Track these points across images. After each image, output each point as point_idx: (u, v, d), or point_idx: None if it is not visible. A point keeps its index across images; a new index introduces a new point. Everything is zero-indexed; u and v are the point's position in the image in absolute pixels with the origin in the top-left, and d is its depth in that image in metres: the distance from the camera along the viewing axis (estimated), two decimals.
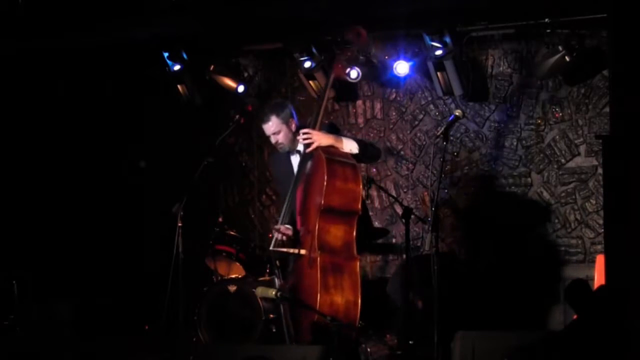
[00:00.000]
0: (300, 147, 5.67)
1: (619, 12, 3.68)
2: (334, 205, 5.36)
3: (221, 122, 6.40)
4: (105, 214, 8.04)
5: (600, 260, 5.93)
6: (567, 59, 6.84)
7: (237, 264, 6.93)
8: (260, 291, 4.99)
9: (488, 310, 6.84)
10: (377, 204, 7.93)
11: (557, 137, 7.34)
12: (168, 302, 6.06)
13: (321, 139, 5.52)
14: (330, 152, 5.48)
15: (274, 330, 6.19)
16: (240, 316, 6.54)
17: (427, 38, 7.12)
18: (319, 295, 5.18)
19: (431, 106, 7.75)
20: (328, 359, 4.53)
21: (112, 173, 8.13)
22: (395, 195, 7.70)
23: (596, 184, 7.18)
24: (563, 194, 7.33)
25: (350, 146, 5.60)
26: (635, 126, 3.59)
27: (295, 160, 5.75)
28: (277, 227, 5.59)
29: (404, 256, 7.35)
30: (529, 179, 7.43)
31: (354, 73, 7.35)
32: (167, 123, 8.20)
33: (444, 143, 5.30)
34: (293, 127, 5.72)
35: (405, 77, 7.58)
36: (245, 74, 8.20)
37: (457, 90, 7.38)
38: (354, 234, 5.45)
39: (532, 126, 7.42)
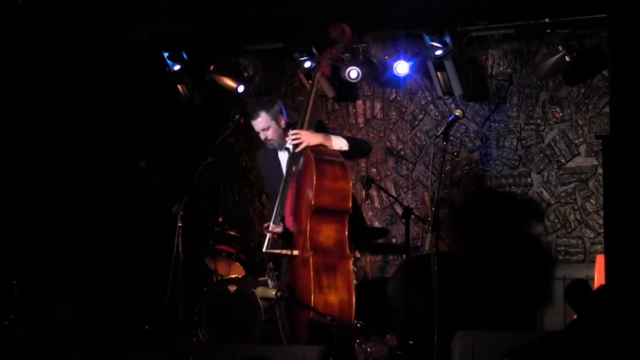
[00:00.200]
0: (289, 145, 5.68)
1: (619, 12, 3.68)
2: (324, 204, 5.37)
3: (221, 122, 6.40)
4: (105, 214, 8.04)
5: (600, 260, 5.92)
6: (567, 59, 6.84)
7: (237, 264, 6.94)
8: (260, 291, 5.00)
9: (488, 310, 6.84)
10: (377, 204, 7.93)
11: (557, 137, 7.34)
12: (168, 302, 6.06)
13: (310, 138, 5.53)
14: (319, 152, 5.48)
15: (270, 330, 6.19)
16: (240, 316, 6.54)
17: (427, 38, 7.12)
18: (312, 295, 5.18)
19: (431, 106, 7.75)
20: (328, 359, 4.53)
21: (112, 173, 8.12)
22: (395, 195, 7.70)
23: (596, 184, 7.18)
24: (563, 194, 7.33)
25: (339, 144, 5.61)
26: (635, 126, 3.59)
27: (283, 157, 5.77)
28: (265, 225, 5.60)
29: (404, 256, 7.37)
30: (529, 179, 7.43)
31: (354, 73, 7.36)
32: (167, 123, 8.20)
33: (444, 143, 5.30)
34: (282, 123, 5.75)
35: (405, 77, 7.58)
36: (245, 74, 8.20)
37: (457, 90, 7.38)
38: (346, 232, 5.46)
39: (532, 126, 7.43)
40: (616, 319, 3.66)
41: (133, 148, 8.25)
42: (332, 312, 5.11)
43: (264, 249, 5.56)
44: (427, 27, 7.13)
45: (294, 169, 5.57)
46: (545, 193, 7.38)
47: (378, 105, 7.95)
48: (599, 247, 7.08)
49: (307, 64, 7.41)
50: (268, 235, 5.56)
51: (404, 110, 7.85)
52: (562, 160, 7.33)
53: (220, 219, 7.16)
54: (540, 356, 4.23)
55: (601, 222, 7.07)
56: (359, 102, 8.00)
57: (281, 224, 5.56)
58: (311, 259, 5.26)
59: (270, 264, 5.43)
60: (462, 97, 7.52)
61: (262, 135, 5.77)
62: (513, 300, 7.21)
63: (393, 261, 7.81)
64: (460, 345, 4.59)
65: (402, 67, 7.38)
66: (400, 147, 7.86)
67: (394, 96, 7.88)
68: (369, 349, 6.45)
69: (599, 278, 5.82)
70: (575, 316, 4.64)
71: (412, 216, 7.14)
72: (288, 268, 5.50)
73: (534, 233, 7.40)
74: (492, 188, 7.55)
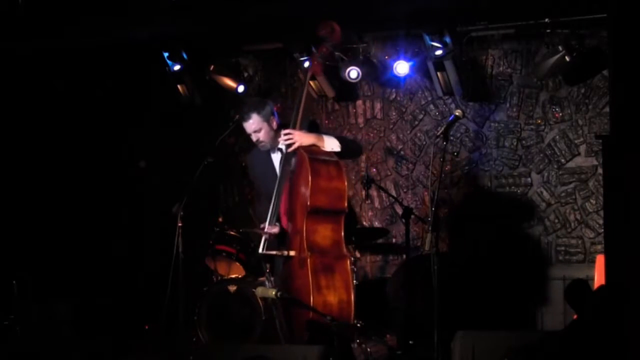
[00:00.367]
0: (281, 145, 5.65)
1: (619, 12, 3.68)
2: (320, 205, 5.35)
3: (221, 122, 6.40)
4: (105, 214, 8.04)
5: (600, 260, 5.92)
6: (567, 59, 6.84)
7: (237, 264, 6.93)
8: (260, 291, 4.99)
9: (488, 310, 6.84)
10: (377, 204, 7.93)
11: (557, 137, 7.34)
12: (168, 302, 6.05)
13: (302, 138, 5.50)
14: (313, 152, 5.46)
15: (271, 330, 6.19)
16: (240, 316, 6.54)
17: (427, 38, 7.12)
18: (312, 296, 5.17)
19: (431, 106, 7.75)
20: (328, 359, 4.53)
21: (112, 173, 8.12)
22: (395, 195, 7.70)
23: (596, 184, 7.18)
24: (563, 194, 7.33)
25: (332, 144, 5.57)
26: (635, 126, 3.59)
27: (276, 158, 5.73)
28: (262, 226, 5.58)
29: (404, 256, 7.37)
30: (529, 179, 7.43)
31: (354, 73, 7.36)
32: (167, 123, 8.20)
33: (444, 143, 5.29)
34: (274, 125, 5.70)
35: (405, 77, 7.58)
36: (245, 74, 8.21)
37: (457, 90, 7.39)
38: (342, 232, 5.46)
39: (532, 126, 7.43)
40: (616, 319, 3.66)
41: (133, 148, 8.25)
42: (331, 312, 5.10)
43: (260, 251, 5.54)
44: (427, 27, 7.13)
45: (287, 169, 5.55)
46: (545, 193, 7.38)
47: (378, 105, 7.95)
48: (599, 247, 7.08)
49: (307, 64, 7.39)
50: (264, 237, 5.54)
51: (404, 110, 7.85)
52: (562, 160, 7.33)
53: (220, 219, 7.16)
54: (540, 356, 4.23)
55: (601, 222, 7.07)
56: (359, 102, 8.00)
57: (277, 225, 5.55)
58: (309, 260, 5.25)
59: (268, 265, 5.41)
60: (462, 97, 7.52)
61: (254, 137, 5.71)
62: (513, 300, 7.21)
63: (393, 261, 7.81)
64: (460, 345, 4.59)
65: (402, 67, 7.38)
66: (400, 147, 7.86)
67: (394, 96, 7.89)
68: (369, 349, 6.45)
69: (599, 278, 5.82)
70: (575, 316, 4.64)
71: (412, 216, 7.15)
72: (284, 269, 5.48)
73: (534, 233, 7.40)
74: (492, 188, 7.55)
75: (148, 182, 8.21)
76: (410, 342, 6.55)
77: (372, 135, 7.94)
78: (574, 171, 7.30)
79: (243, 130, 5.77)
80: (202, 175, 6.14)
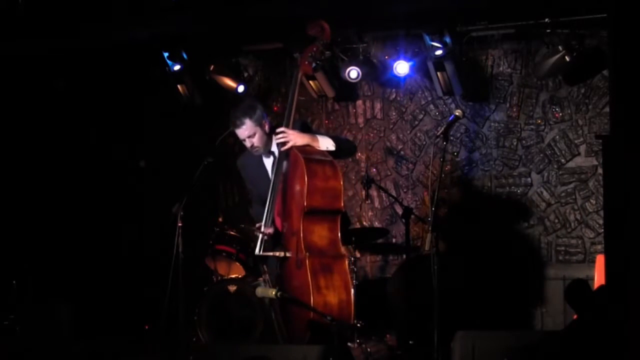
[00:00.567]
0: (274, 148, 5.62)
1: (619, 12, 3.68)
2: (316, 205, 5.34)
3: (221, 122, 6.39)
4: (105, 214, 8.04)
5: (600, 260, 5.92)
6: (567, 59, 6.84)
7: (237, 264, 6.93)
8: (260, 291, 4.99)
9: (488, 310, 6.84)
10: (377, 204, 7.93)
11: (557, 137, 7.34)
12: (168, 302, 6.05)
13: (297, 138, 5.48)
14: (307, 152, 5.45)
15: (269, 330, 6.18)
16: (240, 316, 6.54)
17: (427, 38, 7.13)
18: (312, 296, 5.17)
19: (431, 106, 7.76)
20: (328, 359, 4.53)
21: (112, 173, 8.12)
22: (395, 195, 7.70)
23: (596, 184, 7.18)
24: (563, 194, 7.33)
25: (326, 144, 5.55)
26: (635, 126, 3.59)
27: (268, 162, 5.69)
28: (257, 225, 5.57)
29: (404, 256, 7.38)
30: (529, 179, 7.43)
31: (354, 73, 7.36)
32: (167, 123, 8.20)
33: (444, 143, 5.29)
34: (267, 128, 5.61)
35: (405, 77, 7.59)
36: (245, 74, 8.21)
37: (457, 90, 7.39)
38: (339, 232, 5.45)
39: (532, 126, 7.43)
40: (616, 319, 3.66)
41: (133, 148, 8.25)
42: (331, 312, 5.10)
43: (257, 252, 5.53)
44: (427, 27, 7.13)
45: (281, 170, 5.53)
46: (545, 193, 7.38)
47: (378, 105, 7.95)
48: (599, 247, 7.08)
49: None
50: (260, 237, 5.53)
51: (404, 110, 7.85)
52: (562, 160, 7.33)
53: (220, 219, 7.16)
54: (540, 356, 4.23)
55: (601, 222, 7.08)
56: (359, 102, 8.00)
57: (272, 226, 5.54)
58: (307, 260, 5.25)
59: (265, 267, 5.41)
60: (462, 97, 7.52)
61: (248, 143, 5.62)
62: (513, 300, 7.22)
63: (393, 261, 7.81)
64: (460, 345, 4.59)
65: (402, 67, 7.38)
66: (400, 147, 7.86)
67: (394, 96, 7.89)
68: (369, 349, 6.45)
69: (599, 278, 5.82)
70: (575, 316, 4.64)
71: (412, 216, 7.15)
72: (280, 270, 5.47)
73: (534, 233, 7.40)
74: (492, 188, 7.55)
75: (148, 182, 8.21)
76: (410, 342, 6.55)
77: (372, 135, 7.94)
78: (574, 171, 7.30)
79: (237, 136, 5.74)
80: (202, 175, 6.13)
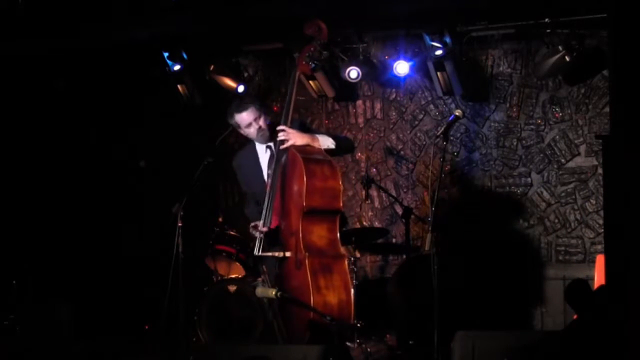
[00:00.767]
0: (271, 143, 5.65)
1: (619, 12, 3.68)
2: (315, 205, 5.35)
3: (221, 122, 6.40)
4: (105, 214, 8.04)
5: (600, 260, 5.92)
6: (567, 59, 6.84)
7: (237, 264, 6.93)
8: (260, 291, 4.99)
9: (488, 310, 6.84)
10: (377, 204, 7.93)
11: (557, 137, 7.34)
12: (168, 302, 6.05)
13: (297, 137, 5.51)
14: (306, 151, 5.46)
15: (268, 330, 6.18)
16: (240, 316, 6.54)
17: (427, 38, 7.13)
18: (312, 296, 5.17)
19: (431, 106, 7.75)
20: (328, 359, 4.53)
21: (112, 173, 8.12)
22: (395, 195, 7.70)
23: (596, 184, 7.18)
24: (563, 194, 7.33)
25: (326, 143, 5.59)
26: (635, 126, 3.59)
27: (263, 161, 5.72)
28: (253, 224, 5.56)
29: (404, 256, 7.37)
30: (529, 179, 7.43)
31: (354, 73, 7.36)
32: (167, 123, 8.20)
33: (444, 143, 5.30)
34: (267, 120, 5.74)
35: (405, 77, 7.59)
36: (245, 74, 8.21)
37: (457, 90, 7.39)
38: (338, 232, 5.46)
39: (532, 126, 7.43)
40: (616, 319, 3.66)
41: (133, 148, 8.25)
42: (331, 312, 5.10)
43: (256, 252, 5.53)
44: (427, 27, 7.13)
45: (278, 169, 5.53)
46: (545, 193, 7.38)
47: (378, 105, 7.95)
48: (599, 247, 7.08)
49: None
50: (258, 237, 5.53)
51: (404, 110, 7.85)
52: (562, 160, 7.33)
53: (220, 219, 7.16)
54: (540, 356, 4.23)
55: (601, 222, 7.08)
56: (359, 102, 8.00)
57: (269, 225, 5.54)
58: (307, 260, 5.25)
59: (264, 267, 5.41)
60: (462, 97, 7.52)
61: (254, 126, 5.68)
62: (513, 300, 7.22)
63: (393, 261, 7.81)
64: (460, 345, 4.59)
65: (402, 67, 7.38)
66: (400, 147, 7.86)
67: (394, 96, 7.89)
68: (369, 349, 6.45)
69: (599, 278, 5.82)
70: (575, 316, 4.64)
71: (412, 216, 7.15)
72: (279, 270, 5.47)
73: (534, 233, 7.40)
74: (492, 188, 7.55)
75: (148, 182, 8.21)
76: (410, 342, 6.55)
77: (372, 135, 7.94)
78: (574, 171, 7.30)
79: (240, 129, 5.75)
80: (202, 175, 6.14)
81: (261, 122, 5.68)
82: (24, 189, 7.73)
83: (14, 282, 7.04)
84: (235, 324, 6.56)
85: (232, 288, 6.60)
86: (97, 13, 6.75)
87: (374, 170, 7.89)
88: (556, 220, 7.35)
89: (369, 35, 7.62)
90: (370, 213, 7.92)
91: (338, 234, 5.47)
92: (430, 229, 5.09)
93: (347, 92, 7.90)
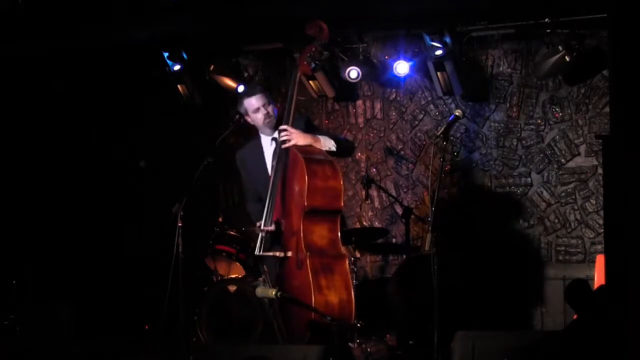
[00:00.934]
0: (275, 134, 5.67)
1: (619, 12, 3.68)
2: (317, 205, 5.36)
3: (221, 122, 6.41)
4: (105, 214, 8.04)
5: (600, 260, 5.93)
6: (567, 59, 6.84)
7: (237, 264, 6.93)
8: (260, 291, 4.99)
9: (488, 310, 6.84)
10: (377, 204, 7.93)
11: (557, 137, 7.34)
12: (168, 302, 6.05)
13: (299, 137, 5.53)
14: (307, 151, 5.47)
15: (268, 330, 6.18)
16: (240, 316, 6.54)
17: (427, 38, 7.13)
18: (313, 296, 5.17)
19: (431, 106, 7.75)
20: (328, 359, 4.53)
21: (112, 173, 8.12)
22: (395, 195, 7.70)
23: (596, 184, 7.18)
24: (563, 194, 7.33)
25: (328, 144, 5.61)
26: (635, 126, 3.59)
27: (268, 155, 5.72)
28: (258, 225, 5.57)
29: (404, 256, 7.37)
30: (529, 179, 7.43)
31: (354, 73, 7.36)
32: (167, 123, 8.20)
33: (444, 143, 5.30)
34: (276, 109, 5.79)
35: (405, 77, 7.59)
36: (245, 74, 8.21)
37: (457, 90, 7.39)
38: (339, 232, 5.46)
39: (532, 126, 7.43)
40: (616, 319, 3.66)
41: (133, 148, 8.25)
42: (332, 312, 5.11)
43: (257, 252, 5.54)
44: (427, 27, 7.14)
45: (279, 167, 5.53)
46: (545, 193, 7.38)
47: (378, 105, 7.95)
48: (599, 247, 7.08)
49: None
50: (260, 236, 5.53)
51: (404, 110, 7.85)
52: (562, 160, 7.33)
53: (220, 219, 7.16)
54: (540, 356, 4.23)
55: (601, 222, 7.08)
56: (359, 102, 8.00)
57: (272, 224, 5.53)
58: (308, 260, 5.25)
59: (265, 267, 5.42)
60: (462, 97, 7.52)
61: (262, 111, 5.72)
62: (513, 300, 7.21)
63: (393, 261, 7.81)
64: (460, 345, 4.59)
65: (402, 67, 7.38)
66: (400, 147, 7.86)
67: (394, 96, 7.89)
68: (369, 349, 6.45)
69: (599, 278, 5.83)
70: (575, 316, 4.64)
71: (412, 216, 7.15)
72: (279, 270, 5.47)
73: (534, 233, 7.40)
74: (492, 188, 7.55)
75: (148, 182, 8.20)
76: (410, 342, 6.55)
77: (372, 135, 7.94)
78: (574, 171, 7.30)
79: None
80: (202, 175, 6.14)
81: (269, 108, 5.73)
82: (24, 189, 7.72)
83: (14, 282, 7.04)
84: (235, 324, 6.56)
85: (232, 288, 6.60)
86: (97, 13, 6.74)
87: (374, 170, 7.89)
88: (556, 220, 7.35)
89: (369, 35, 7.62)
90: (370, 213, 7.92)
91: (339, 234, 5.47)
92: (430, 229, 5.09)
93: (347, 92, 7.90)
